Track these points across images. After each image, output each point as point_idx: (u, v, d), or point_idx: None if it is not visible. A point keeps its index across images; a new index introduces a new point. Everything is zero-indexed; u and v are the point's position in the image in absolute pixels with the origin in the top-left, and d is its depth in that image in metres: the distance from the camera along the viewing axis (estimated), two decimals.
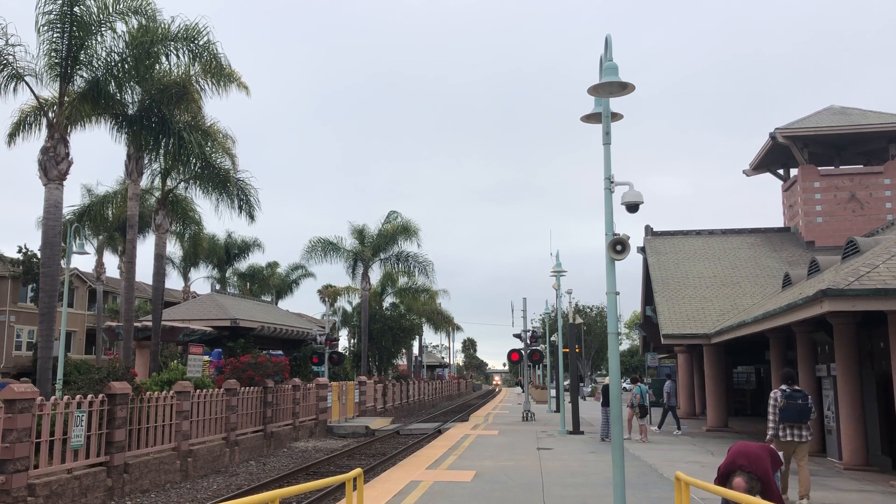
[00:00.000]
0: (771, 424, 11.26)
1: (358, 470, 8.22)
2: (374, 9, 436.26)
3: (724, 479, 7.23)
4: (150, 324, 26.30)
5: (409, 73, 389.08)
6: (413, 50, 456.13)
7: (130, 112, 21.41)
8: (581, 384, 59.98)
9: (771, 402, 11.30)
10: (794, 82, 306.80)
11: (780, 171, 35.25)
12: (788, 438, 11.08)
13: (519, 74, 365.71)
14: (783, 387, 11.30)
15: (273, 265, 57.19)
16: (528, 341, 33.07)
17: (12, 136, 21.20)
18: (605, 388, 21.95)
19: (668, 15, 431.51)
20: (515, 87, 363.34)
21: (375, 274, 49.08)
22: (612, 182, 8.91)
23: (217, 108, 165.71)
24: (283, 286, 58.26)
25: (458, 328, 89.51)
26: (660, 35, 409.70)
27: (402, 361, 63.04)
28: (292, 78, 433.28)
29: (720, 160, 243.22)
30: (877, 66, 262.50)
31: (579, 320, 49.38)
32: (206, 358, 27.04)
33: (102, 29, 19.40)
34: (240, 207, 25.90)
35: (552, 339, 37.11)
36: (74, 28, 18.97)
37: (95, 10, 19.18)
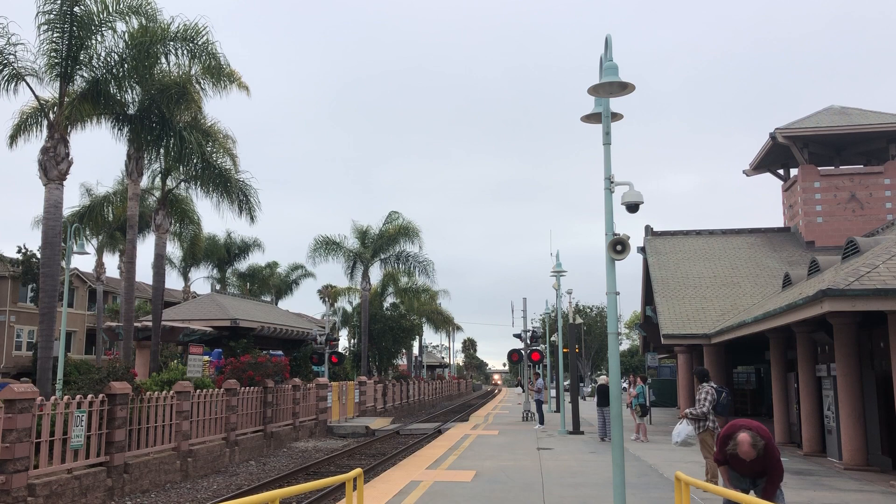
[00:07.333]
0: (711, 416, 12.52)
1: (358, 470, 8.23)
2: (390, 6, 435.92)
3: (725, 441, 7.17)
4: (150, 324, 26.29)
5: (415, 74, 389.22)
6: (421, 47, 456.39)
7: (131, 112, 21.40)
8: (581, 384, 59.98)
9: (707, 396, 12.42)
10: (810, 79, 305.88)
11: (780, 171, 35.23)
12: (711, 427, 12.43)
13: (534, 71, 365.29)
14: (712, 384, 12.61)
15: (273, 265, 57.24)
16: (528, 341, 33.07)
17: (14, 138, 21.18)
18: (602, 388, 21.80)
19: (689, 8, 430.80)
20: (529, 85, 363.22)
21: (376, 274, 49.15)
22: (612, 182, 8.93)
23: (226, 107, 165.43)
24: (283, 286, 58.30)
25: (459, 328, 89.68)
26: (679, 29, 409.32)
27: (402, 361, 63.03)
28: (308, 73, 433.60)
29: (733, 158, 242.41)
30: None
31: (579, 320, 49.35)
32: (206, 358, 27.02)
33: (103, 29, 19.40)
34: (240, 208, 25.89)
35: (552, 339, 37.09)
36: (75, 28, 18.97)
37: (95, 9, 19.18)
